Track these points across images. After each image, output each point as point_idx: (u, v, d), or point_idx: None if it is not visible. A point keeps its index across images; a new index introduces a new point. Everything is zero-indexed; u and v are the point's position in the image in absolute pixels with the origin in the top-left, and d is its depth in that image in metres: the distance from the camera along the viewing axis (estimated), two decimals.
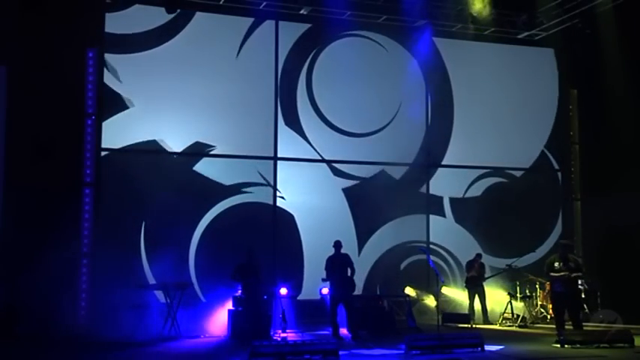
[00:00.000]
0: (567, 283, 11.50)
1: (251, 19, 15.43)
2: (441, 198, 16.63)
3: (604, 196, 15.69)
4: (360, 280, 14.23)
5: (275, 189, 15.40)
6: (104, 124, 14.29)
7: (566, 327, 11.58)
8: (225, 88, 15.11)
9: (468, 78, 17.00)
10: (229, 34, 15.37)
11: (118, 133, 14.35)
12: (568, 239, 13.92)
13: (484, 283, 15.04)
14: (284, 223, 15.41)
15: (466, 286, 15.11)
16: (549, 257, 12.19)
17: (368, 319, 12.77)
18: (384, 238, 16.00)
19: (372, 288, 15.35)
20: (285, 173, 15.51)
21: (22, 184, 12.99)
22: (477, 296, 14.91)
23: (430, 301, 15.25)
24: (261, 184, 15.27)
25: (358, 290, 12.68)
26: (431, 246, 16.13)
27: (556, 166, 17.55)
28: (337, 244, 12.64)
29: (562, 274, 11.43)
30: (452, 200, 16.66)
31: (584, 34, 16.33)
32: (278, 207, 15.41)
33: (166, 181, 14.42)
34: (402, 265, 16.03)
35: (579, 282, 11.86)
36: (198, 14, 15.12)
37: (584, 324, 12.08)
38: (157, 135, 14.66)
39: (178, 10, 14.66)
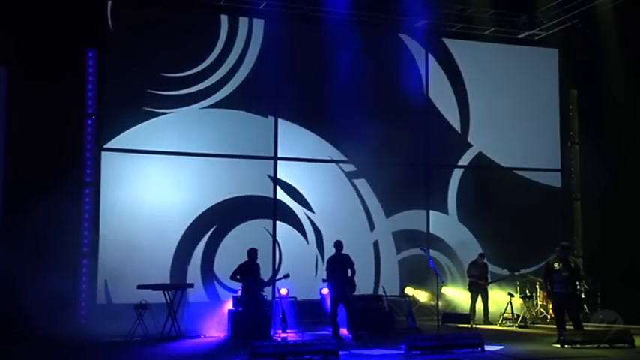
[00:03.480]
0: (567, 284, 11.55)
1: (248, 19, 15.46)
2: (442, 196, 16.63)
3: (604, 196, 15.69)
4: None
5: (275, 187, 15.40)
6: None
7: (567, 327, 11.58)
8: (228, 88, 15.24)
9: (467, 78, 16.98)
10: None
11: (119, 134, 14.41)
12: (568, 241, 13.89)
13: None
14: (284, 221, 15.43)
15: (469, 289, 15.02)
16: (549, 259, 12.21)
17: (368, 319, 12.75)
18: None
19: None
20: (284, 172, 15.52)
21: (22, 184, 13.00)
22: (479, 297, 14.87)
23: (428, 299, 15.28)
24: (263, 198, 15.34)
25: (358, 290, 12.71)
26: (430, 246, 16.13)
27: (556, 166, 17.56)
28: (338, 245, 12.63)
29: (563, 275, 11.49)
30: (452, 199, 16.66)
31: (584, 34, 16.35)
32: (278, 203, 15.41)
33: (168, 179, 14.47)
34: (402, 265, 16.06)
35: (577, 284, 11.88)
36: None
37: (584, 324, 12.06)
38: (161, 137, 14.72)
39: None
